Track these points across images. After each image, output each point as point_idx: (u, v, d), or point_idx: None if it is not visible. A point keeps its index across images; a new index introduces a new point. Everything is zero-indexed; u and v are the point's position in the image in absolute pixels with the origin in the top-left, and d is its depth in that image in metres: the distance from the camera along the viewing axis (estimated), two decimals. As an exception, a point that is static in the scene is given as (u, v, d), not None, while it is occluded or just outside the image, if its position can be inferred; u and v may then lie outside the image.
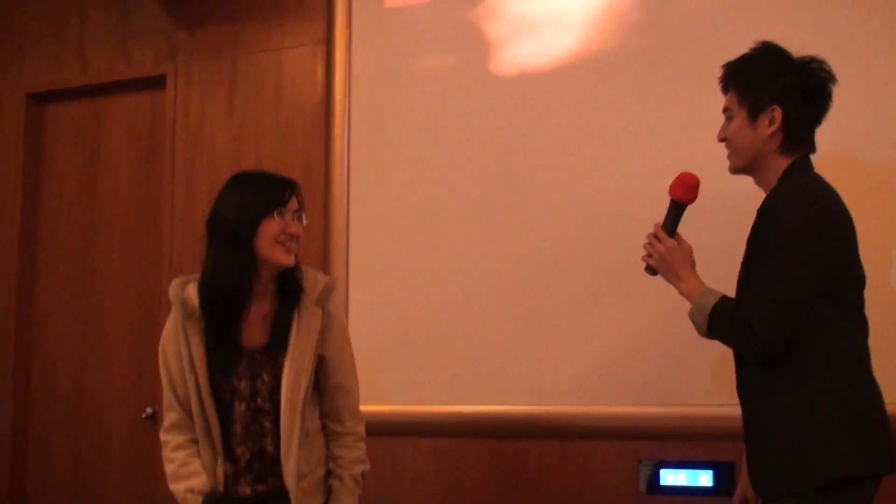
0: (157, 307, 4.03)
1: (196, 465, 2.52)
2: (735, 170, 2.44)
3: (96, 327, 4.24)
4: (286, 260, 2.49)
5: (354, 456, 2.59)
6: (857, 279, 2.32)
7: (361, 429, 2.63)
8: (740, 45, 2.46)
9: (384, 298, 3.63)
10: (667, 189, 2.46)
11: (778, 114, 2.34)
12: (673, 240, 2.43)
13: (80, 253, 4.30)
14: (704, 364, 3.16)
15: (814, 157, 2.41)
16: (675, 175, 2.47)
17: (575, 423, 3.31)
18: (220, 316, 2.46)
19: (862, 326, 2.32)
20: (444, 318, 3.54)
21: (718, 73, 2.47)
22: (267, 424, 2.49)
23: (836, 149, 2.84)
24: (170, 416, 2.57)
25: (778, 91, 2.34)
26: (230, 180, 2.56)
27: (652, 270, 2.47)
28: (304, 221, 2.57)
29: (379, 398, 3.53)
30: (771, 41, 2.42)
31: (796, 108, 2.34)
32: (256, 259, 2.46)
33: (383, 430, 3.48)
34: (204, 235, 2.53)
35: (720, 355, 3.09)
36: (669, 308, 3.20)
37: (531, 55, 3.51)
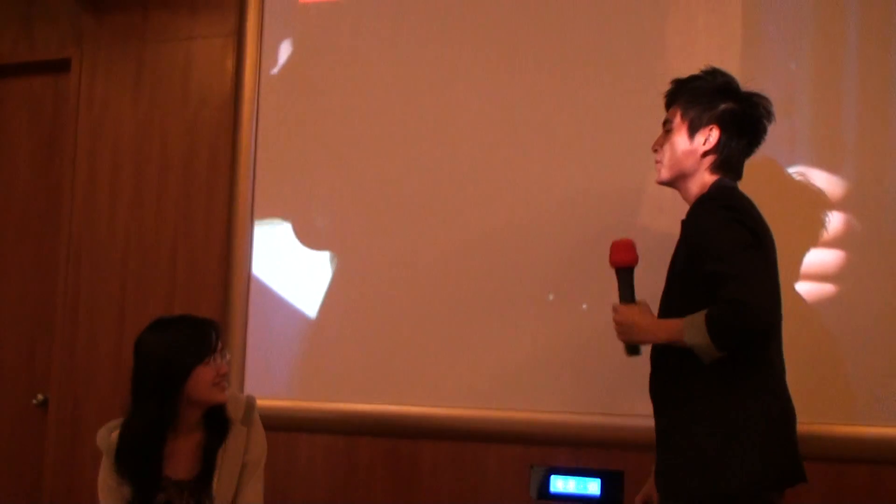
0: (50, 293, 3.97)
1: None
2: (662, 181, 2.54)
3: (-13, 311, 4.15)
4: (223, 398, 2.65)
5: None
6: (778, 290, 2.37)
7: None
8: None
9: (285, 295, 3.61)
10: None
11: (715, 133, 2.44)
12: (629, 304, 2.46)
13: (-27, 235, 4.21)
14: (598, 373, 3.21)
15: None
16: (609, 242, 2.53)
17: (469, 425, 3.34)
18: (142, 459, 2.58)
19: (779, 343, 2.40)
20: (340, 317, 3.54)
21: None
22: None
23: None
24: None
25: (719, 113, 2.44)
26: (152, 329, 2.65)
27: (634, 350, 2.49)
28: (228, 357, 2.72)
29: (274, 393, 3.52)
30: (721, 68, 2.52)
31: (731, 134, 2.44)
32: (186, 404, 2.60)
33: (278, 425, 3.47)
34: (129, 385, 2.62)
35: (614, 366, 3.15)
36: (566, 317, 3.27)
37: (448, 49, 3.52)
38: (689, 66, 2.61)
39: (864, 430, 2.95)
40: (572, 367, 3.26)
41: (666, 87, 2.58)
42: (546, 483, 3.24)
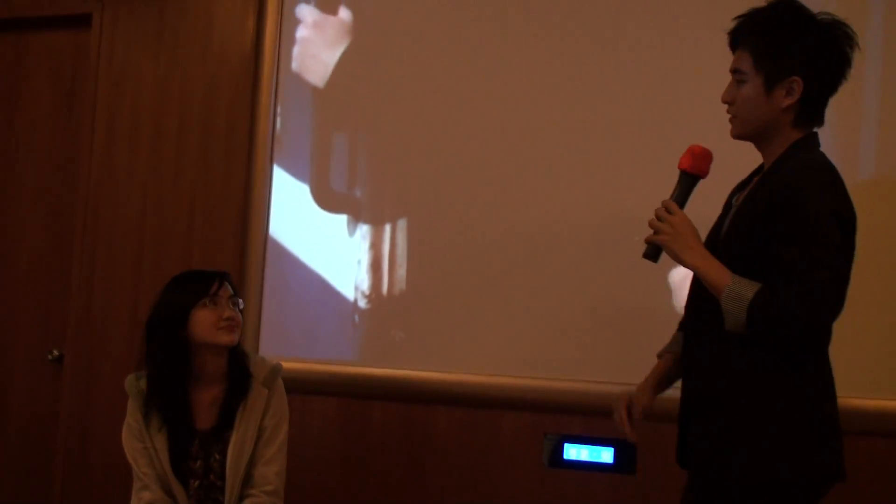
0: (67, 247, 3.97)
1: None
2: (738, 136, 2.24)
3: (3, 262, 4.15)
4: (228, 340, 2.75)
5: None
6: (844, 292, 2.14)
7: (272, 499, 2.77)
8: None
9: (304, 254, 3.61)
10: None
11: (798, 86, 2.13)
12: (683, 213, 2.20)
13: (-9, 187, 4.21)
14: (612, 342, 3.20)
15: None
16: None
17: (483, 392, 3.33)
18: (170, 404, 2.73)
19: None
20: (356, 280, 3.53)
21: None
22: (221, 499, 2.74)
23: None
24: (143, 497, 2.75)
25: (800, 60, 2.12)
26: (167, 284, 2.84)
27: (653, 252, 2.23)
28: (242, 305, 2.84)
29: (289, 354, 3.52)
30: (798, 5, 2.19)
31: (816, 80, 2.14)
32: (194, 348, 2.74)
33: (292, 387, 3.47)
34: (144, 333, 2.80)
35: (629, 336, 3.14)
36: (578, 287, 3.25)
37: (468, 22, 3.49)
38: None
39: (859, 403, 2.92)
40: (587, 335, 3.25)
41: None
42: (559, 451, 3.24)
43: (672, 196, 2.24)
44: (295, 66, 3.68)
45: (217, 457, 2.74)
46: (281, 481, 2.79)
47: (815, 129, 2.21)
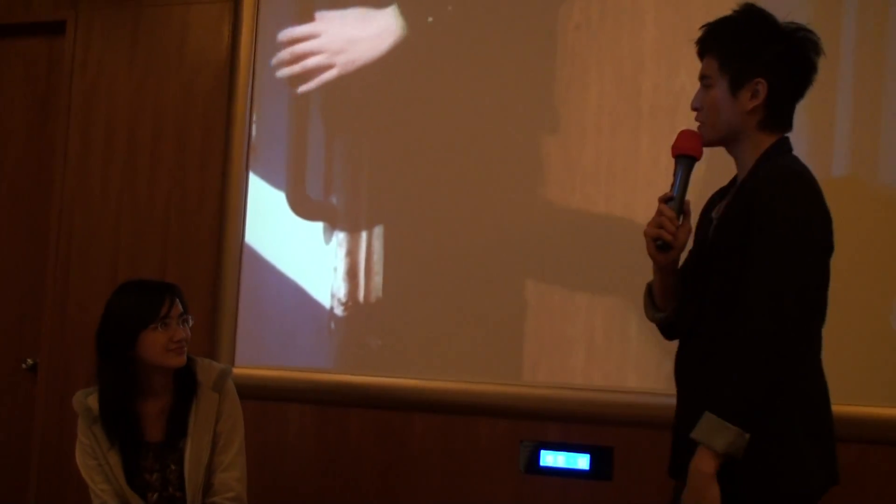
0: (41, 255, 3.95)
1: None
2: (709, 142, 2.25)
3: (-23, 271, 4.12)
4: (177, 362, 2.67)
5: None
6: (828, 281, 2.16)
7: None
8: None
9: (281, 261, 3.60)
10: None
11: (762, 87, 2.15)
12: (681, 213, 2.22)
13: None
14: (589, 349, 3.21)
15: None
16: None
17: (459, 399, 3.34)
18: (117, 419, 2.66)
19: (819, 333, 2.16)
20: (332, 288, 3.53)
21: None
22: None
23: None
24: None
25: (764, 62, 2.14)
26: (115, 293, 2.75)
27: (665, 246, 2.22)
28: (191, 322, 2.74)
29: (265, 362, 3.53)
30: (755, 4, 2.23)
31: (782, 81, 2.16)
32: (141, 365, 2.66)
33: (269, 395, 3.49)
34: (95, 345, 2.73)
35: (606, 342, 3.16)
36: (560, 290, 3.26)
37: (440, 29, 3.49)
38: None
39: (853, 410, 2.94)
40: (564, 343, 3.26)
41: None
42: (536, 457, 3.25)
43: (672, 186, 2.24)
44: (270, 73, 3.67)
45: (173, 467, 2.70)
46: (243, 486, 2.75)
47: (785, 135, 2.22)
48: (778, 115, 2.19)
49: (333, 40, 3.61)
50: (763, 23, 2.18)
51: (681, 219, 2.24)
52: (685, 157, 2.25)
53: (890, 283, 2.99)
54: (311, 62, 3.62)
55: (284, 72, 3.66)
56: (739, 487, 2.03)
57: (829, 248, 2.12)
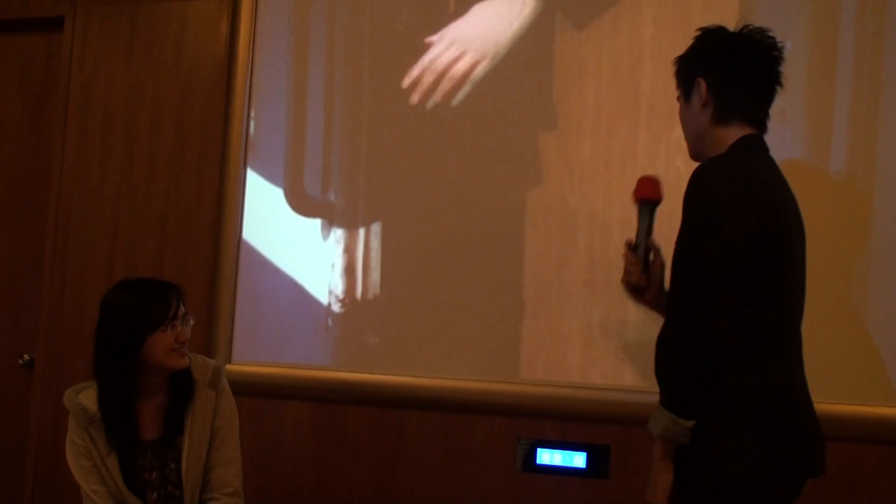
0: (38, 251, 3.95)
1: None
2: (693, 157, 2.34)
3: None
4: (180, 364, 2.67)
5: None
6: (789, 281, 2.17)
7: (234, 500, 2.75)
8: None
9: (278, 258, 3.60)
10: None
11: (702, 83, 2.23)
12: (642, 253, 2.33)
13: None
14: (585, 347, 3.21)
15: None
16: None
17: (456, 396, 3.33)
18: (116, 418, 2.63)
19: (780, 323, 2.15)
20: (330, 284, 3.52)
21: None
22: None
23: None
24: None
25: (700, 63, 2.26)
26: (114, 291, 2.70)
27: (637, 289, 2.36)
28: (192, 322, 2.73)
29: (262, 359, 3.53)
30: (712, 25, 2.31)
31: (718, 74, 2.22)
32: (142, 364, 2.63)
33: (265, 392, 3.48)
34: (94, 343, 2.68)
35: (602, 340, 3.15)
36: (557, 288, 3.26)
37: (442, 24, 3.49)
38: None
39: (844, 409, 2.94)
40: (561, 340, 3.25)
41: None
42: (532, 455, 3.25)
43: (637, 231, 2.34)
44: (269, 70, 3.67)
45: (172, 466, 2.69)
46: (240, 482, 2.75)
47: (751, 133, 2.23)
48: (725, 106, 2.23)
49: (332, 37, 3.61)
50: (706, 35, 2.29)
51: (651, 256, 2.35)
52: (646, 202, 2.36)
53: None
54: (308, 59, 3.62)
55: (282, 68, 3.65)
56: (682, 471, 2.12)
57: (759, 234, 2.06)
